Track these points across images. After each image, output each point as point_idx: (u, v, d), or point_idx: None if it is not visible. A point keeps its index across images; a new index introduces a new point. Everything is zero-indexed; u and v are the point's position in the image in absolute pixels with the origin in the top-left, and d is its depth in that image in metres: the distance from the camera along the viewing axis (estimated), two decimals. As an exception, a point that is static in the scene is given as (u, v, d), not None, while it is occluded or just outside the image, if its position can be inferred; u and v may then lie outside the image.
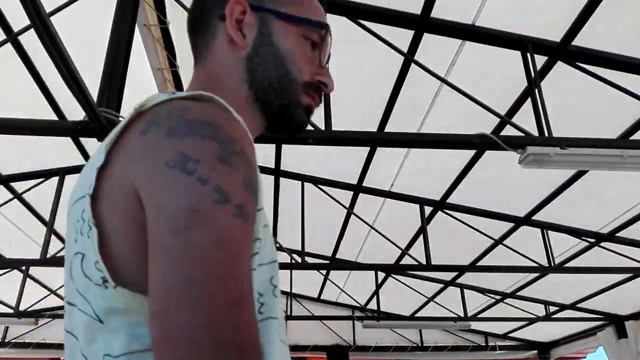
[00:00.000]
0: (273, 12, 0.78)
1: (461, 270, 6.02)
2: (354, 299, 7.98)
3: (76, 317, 0.61)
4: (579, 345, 8.16)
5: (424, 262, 5.01)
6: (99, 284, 0.57)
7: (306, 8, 0.80)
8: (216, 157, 0.56)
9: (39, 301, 7.14)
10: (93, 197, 0.60)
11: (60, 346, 8.39)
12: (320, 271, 7.38)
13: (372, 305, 7.91)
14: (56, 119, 3.81)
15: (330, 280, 7.60)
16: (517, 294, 6.90)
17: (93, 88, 2.51)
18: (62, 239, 5.66)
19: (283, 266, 6.09)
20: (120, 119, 2.60)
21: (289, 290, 7.53)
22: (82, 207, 0.61)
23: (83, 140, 4.38)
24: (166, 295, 0.50)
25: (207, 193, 0.54)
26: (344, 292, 7.76)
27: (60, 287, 7.18)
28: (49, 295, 7.23)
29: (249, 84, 0.77)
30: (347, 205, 5.33)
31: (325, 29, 0.80)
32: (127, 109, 2.51)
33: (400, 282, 7.15)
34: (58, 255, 5.21)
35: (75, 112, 2.58)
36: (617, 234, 4.96)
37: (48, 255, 4.80)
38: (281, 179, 5.27)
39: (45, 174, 4.84)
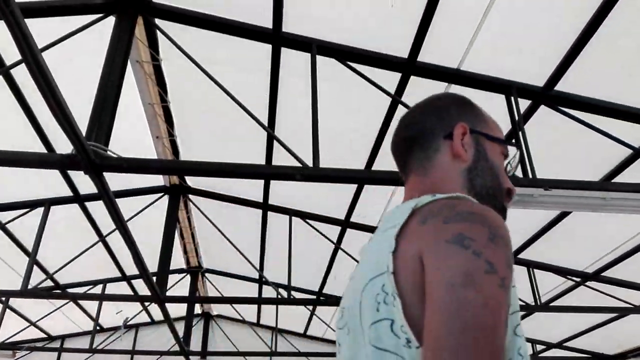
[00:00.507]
0: (484, 135, 0.99)
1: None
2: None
3: None
4: (567, 385, 8.09)
5: (411, 299, 4.99)
6: (404, 344, 0.71)
7: (499, 131, 1.03)
8: (487, 238, 0.71)
9: (17, 333, 6.97)
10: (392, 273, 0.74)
11: (37, 380, 8.14)
12: (307, 306, 7.31)
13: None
14: (45, 151, 3.81)
15: (317, 316, 7.51)
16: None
17: (84, 119, 2.53)
18: (44, 270, 5.58)
19: (269, 301, 6.03)
20: (109, 152, 2.61)
21: (274, 325, 7.42)
22: (381, 282, 0.75)
23: (70, 171, 4.37)
24: (441, 340, 0.64)
25: (480, 264, 0.68)
26: (331, 328, 7.66)
27: (41, 318, 7.02)
28: (28, 327, 7.05)
29: (467, 190, 0.94)
30: (335, 241, 5.32)
31: (520, 149, 1.02)
32: (116, 142, 2.51)
33: (387, 318, 7.08)
34: (40, 286, 5.12)
35: (64, 143, 2.59)
36: (603, 274, 4.99)
37: (29, 287, 4.72)
38: (269, 213, 5.27)
39: (31, 205, 4.80)
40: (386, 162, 3.97)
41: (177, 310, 6.94)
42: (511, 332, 0.74)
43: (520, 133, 3.14)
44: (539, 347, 6.98)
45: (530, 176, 3.00)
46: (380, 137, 3.81)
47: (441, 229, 0.74)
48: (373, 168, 4.05)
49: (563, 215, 4.29)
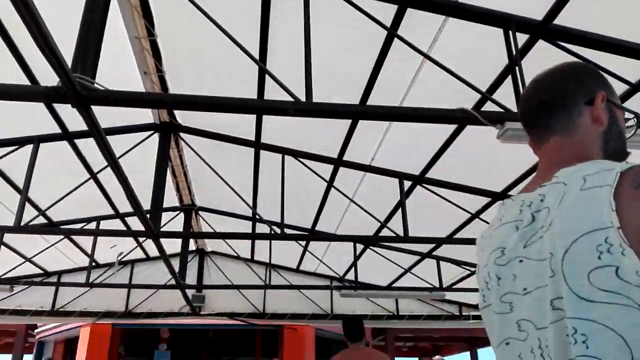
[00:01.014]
0: (614, 104, 1.16)
1: (438, 242, 6.12)
2: (332, 270, 8.09)
3: (608, 309, 0.88)
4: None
5: (402, 235, 5.07)
6: (638, 286, 0.86)
7: (619, 99, 1.20)
8: None
9: (13, 268, 7.07)
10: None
11: (36, 313, 8.36)
12: (300, 242, 7.44)
13: (350, 276, 8.03)
14: (29, 84, 3.70)
15: (309, 252, 7.67)
16: (491, 266, 7.07)
17: (69, 53, 2.44)
18: (37, 207, 5.58)
19: (263, 237, 6.13)
20: (96, 85, 2.54)
21: (267, 261, 7.58)
22: (604, 235, 0.89)
23: (58, 108, 4.28)
24: None
25: None
26: (323, 263, 7.85)
27: (36, 254, 7.12)
28: (23, 262, 7.15)
29: (603, 151, 1.13)
30: (328, 179, 5.34)
31: (637, 117, 1.27)
32: (103, 78, 2.44)
33: (378, 254, 7.26)
34: (32, 223, 5.14)
35: (50, 79, 2.51)
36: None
37: (22, 223, 4.74)
38: (261, 151, 5.25)
39: (20, 142, 4.73)
40: (381, 97, 3.93)
41: (171, 247, 7.03)
42: None
43: (517, 68, 3.09)
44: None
45: (525, 112, 2.97)
46: (375, 71, 3.73)
47: None
48: (367, 103, 4.00)
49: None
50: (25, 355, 12.53)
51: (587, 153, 1.09)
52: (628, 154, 1.18)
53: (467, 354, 15.12)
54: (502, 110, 2.96)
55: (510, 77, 3.13)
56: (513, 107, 2.98)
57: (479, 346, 15.28)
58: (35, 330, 11.42)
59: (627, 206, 0.90)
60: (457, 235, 5.98)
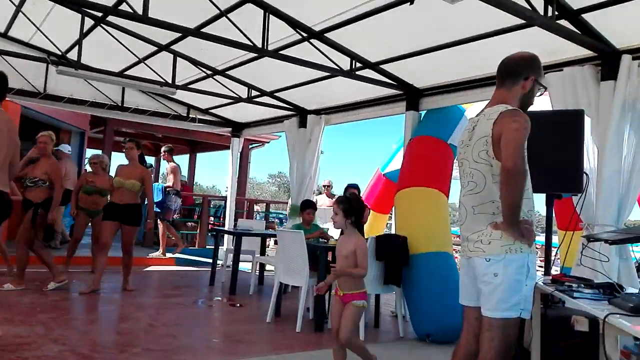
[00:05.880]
0: (538, 82, 2.55)
1: (184, 32, 5.70)
2: (52, 43, 7.01)
3: (480, 165, 2.50)
4: (267, 128, 9.29)
5: (141, 13, 4.58)
6: (492, 157, 2.41)
7: None
8: None
9: None
10: None
11: None
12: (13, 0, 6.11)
13: (73, 55, 7.12)
14: None
15: (23, 13, 6.40)
16: (227, 72, 7.15)
17: None
18: None
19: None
20: None
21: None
22: (486, 137, 2.45)
23: None
24: None
25: None
26: (40, 31, 6.71)
27: None
28: None
29: (518, 102, 2.52)
30: None
31: (545, 88, 2.65)
32: None
33: (111, 35, 6.53)
34: None
35: None
36: (327, 34, 5.40)
37: None
38: None
39: None
40: None
41: None
42: None
43: None
44: (254, 93, 7.54)
45: None
46: None
47: None
48: None
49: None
50: None
51: (509, 102, 2.45)
52: (528, 107, 2.51)
53: (187, 156, 15.82)
54: None
55: None
56: None
57: (199, 151, 16.10)
58: None
59: (495, 125, 2.33)
60: (205, 30, 5.65)
